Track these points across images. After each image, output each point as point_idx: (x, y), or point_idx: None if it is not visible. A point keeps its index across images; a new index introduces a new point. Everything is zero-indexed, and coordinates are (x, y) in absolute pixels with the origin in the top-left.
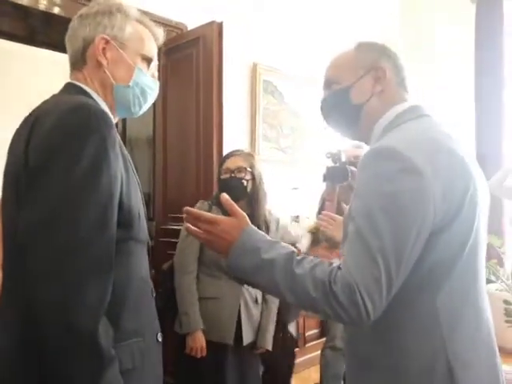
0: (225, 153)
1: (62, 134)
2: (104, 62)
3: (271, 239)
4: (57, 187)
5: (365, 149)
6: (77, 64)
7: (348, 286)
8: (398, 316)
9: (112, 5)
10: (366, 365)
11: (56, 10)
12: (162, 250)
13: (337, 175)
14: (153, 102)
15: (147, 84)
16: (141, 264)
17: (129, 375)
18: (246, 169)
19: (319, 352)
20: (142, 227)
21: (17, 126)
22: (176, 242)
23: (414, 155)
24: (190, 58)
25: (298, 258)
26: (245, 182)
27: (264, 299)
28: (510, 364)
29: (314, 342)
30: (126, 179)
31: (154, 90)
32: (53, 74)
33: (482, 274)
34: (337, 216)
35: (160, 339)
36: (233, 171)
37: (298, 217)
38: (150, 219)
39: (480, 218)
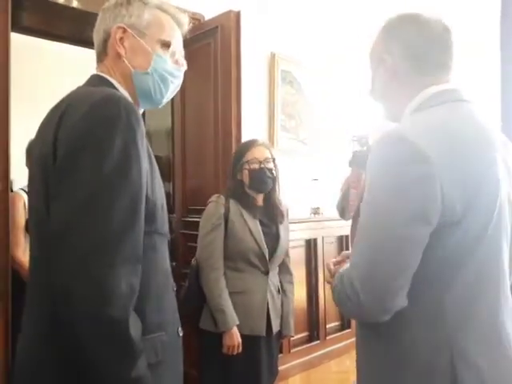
0: None
1: (92, 125)
2: (122, 52)
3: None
4: (87, 179)
5: None
6: (100, 56)
7: (349, 281)
8: (404, 308)
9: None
10: (371, 359)
11: (74, 4)
12: (183, 242)
13: (363, 160)
14: (177, 89)
15: (168, 70)
16: (163, 257)
17: (152, 369)
18: (272, 159)
19: (340, 344)
20: (165, 220)
21: (30, 119)
22: (196, 235)
23: (420, 141)
24: (208, 49)
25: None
26: (274, 173)
27: (282, 289)
28: None
29: (335, 335)
30: (151, 172)
31: (176, 77)
32: (74, 67)
33: (506, 273)
34: None
35: (181, 333)
36: (261, 162)
37: (318, 208)
38: (170, 212)
39: (502, 211)
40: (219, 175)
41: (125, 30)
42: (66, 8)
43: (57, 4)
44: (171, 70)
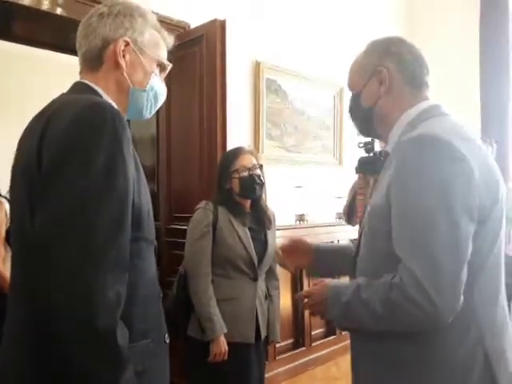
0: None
1: (79, 132)
2: (123, 65)
3: (347, 283)
4: (73, 187)
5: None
6: (91, 63)
7: (413, 284)
8: None
9: (134, 8)
10: (395, 364)
11: (58, 11)
12: (168, 249)
13: (370, 167)
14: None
15: (161, 90)
16: (150, 264)
17: (138, 377)
18: (258, 166)
19: (325, 351)
20: (151, 227)
21: (17, 124)
22: (181, 242)
23: (454, 140)
24: (193, 57)
25: (364, 285)
26: (262, 179)
27: (269, 294)
28: None
29: (320, 342)
30: (137, 178)
31: (163, 96)
32: (53, 74)
33: (502, 272)
34: (303, 242)
35: (167, 340)
36: (250, 169)
37: (303, 215)
38: (155, 220)
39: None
40: (204, 183)
41: (127, 44)
42: (50, 15)
43: (41, 11)
44: (163, 89)
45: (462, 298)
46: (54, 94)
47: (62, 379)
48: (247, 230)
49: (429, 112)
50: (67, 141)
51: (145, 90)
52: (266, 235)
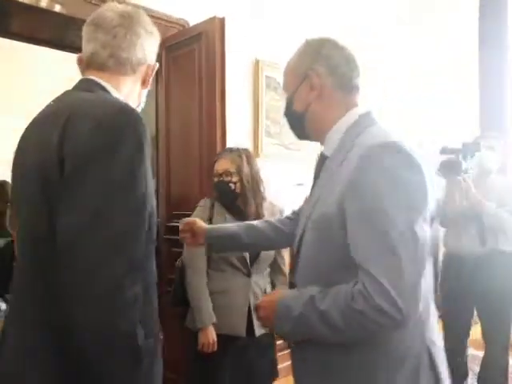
0: None
1: (105, 136)
2: (147, 85)
3: (298, 293)
4: (99, 191)
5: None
6: (125, 69)
7: (378, 291)
8: None
9: (156, 32)
10: (344, 370)
11: (57, 8)
12: (167, 247)
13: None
14: None
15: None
16: (153, 264)
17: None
18: (232, 172)
19: None
20: (155, 227)
21: (19, 118)
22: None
23: (410, 149)
24: (192, 55)
25: (319, 296)
26: (232, 186)
27: (275, 290)
28: None
29: None
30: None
31: None
32: (53, 71)
33: None
34: (197, 224)
35: (161, 337)
36: (221, 175)
37: None
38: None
39: None
40: (204, 180)
41: (151, 67)
42: (49, 13)
43: (39, 9)
44: None
45: (421, 300)
46: (41, 88)
47: (83, 379)
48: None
49: (368, 119)
50: (93, 144)
51: (142, 107)
52: None
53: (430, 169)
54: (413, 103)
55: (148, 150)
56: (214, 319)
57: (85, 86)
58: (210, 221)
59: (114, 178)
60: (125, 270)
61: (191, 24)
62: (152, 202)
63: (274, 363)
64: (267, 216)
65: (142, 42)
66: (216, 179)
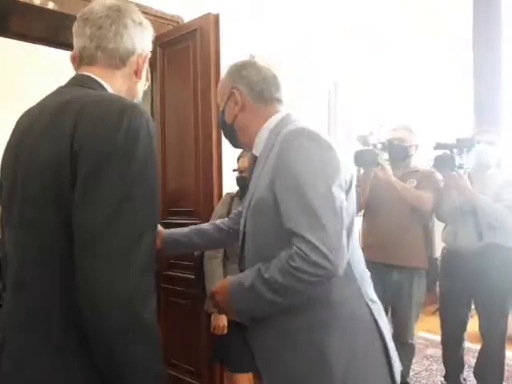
0: (223, 145)
1: (119, 136)
2: (140, 76)
3: (248, 271)
4: (115, 188)
5: (413, 132)
6: (114, 61)
7: (311, 249)
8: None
9: (147, 23)
10: (290, 336)
11: (51, 6)
12: None
13: (365, 159)
14: None
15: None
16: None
17: None
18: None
19: None
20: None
21: (12, 119)
22: None
23: (321, 133)
24: (187, 51)
25: (264, 267)
26: None
27: None
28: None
29: None
30: None
31: None
32: (49, 69)
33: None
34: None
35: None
36: (242, 171)
37: None
38: None
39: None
40: (199, 177)
41: (145, 58)
42: (42, 10)
43: (33, 6)
44: None
45: (347, 252)
46: (40, 87)
47: (113, 369)
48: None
49: (287, 119)
50: (110, 145)
51: (139, 100)
52: None
53: (341, 152)
54: (410, 100)
55: (155, 148)
56: None
57: (82, 81)
58: (228, 214)
59: (130, 175)
60: (143, 266)
61: (186, 21)
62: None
63: None
64: None
65: (129, 32)
66: (238, 175)
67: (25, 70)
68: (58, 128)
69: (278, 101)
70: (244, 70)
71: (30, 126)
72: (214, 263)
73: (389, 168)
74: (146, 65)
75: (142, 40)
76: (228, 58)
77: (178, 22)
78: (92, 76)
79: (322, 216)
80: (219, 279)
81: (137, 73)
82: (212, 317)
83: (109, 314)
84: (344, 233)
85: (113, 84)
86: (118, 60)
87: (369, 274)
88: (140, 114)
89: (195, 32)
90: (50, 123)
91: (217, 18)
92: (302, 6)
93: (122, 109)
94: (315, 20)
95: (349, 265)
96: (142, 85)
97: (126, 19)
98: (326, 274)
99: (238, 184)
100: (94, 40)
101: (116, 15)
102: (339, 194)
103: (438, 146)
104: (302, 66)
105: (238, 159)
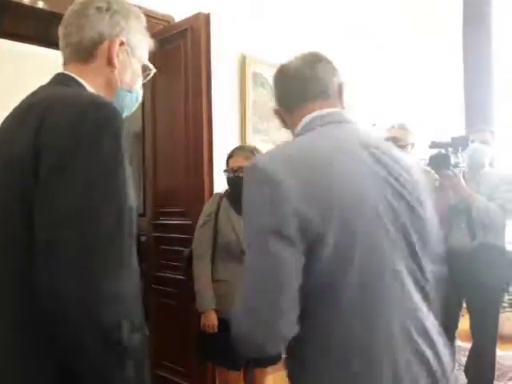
0: (214, 146)
1: (84, 131)
2: (116, 63)
3: None
4: (79, 184)
5: (409, 130)
6: (82, 55)
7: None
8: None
9: (130, 9)
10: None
11: (40, 5)
12: (155, 244)
13: None
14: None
15: (141, 93)
16: (135, 258)
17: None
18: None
19: None
20: (135, 222)
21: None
22: (168, 237)
23: (269, 167)
24: (178, 51)
25: None
26: None
27: None
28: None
29: None
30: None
31: (140, 100)
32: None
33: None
34: None
35: (147, 333)
36: (235, 171)
37: None
38: (141, 215)
39: (374, 224)
40: (190, 178)
41: (122, 44)
42: (32, 9)
43: (22, 5)
44: (141, 93)
45: (286, 324)
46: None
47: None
48: (241, 220)
49: (314, 122)
50: (72, 140)
51: (131, 91)
52: None
53: (325, 178)
54: (407, 99)
55: (124, 141)
56: (213, 305)
57: (60, 80)
58: (216, 214)
59: (95, 171)
60: (106, 267)
61: (177, 20)
62: (131, 193)
63: None
64: None
65: (91, 20)
66: (231, 175)
67: (25, 69)
68: (25, 126)
69: (316, 96)
70: (274, 79)
71: (5, 127)
72: (202, 263)
73: None
74: (143, 51)
75: (112, 26)
76: (219, 58)
77: (168, 22)
78: (68, 73)
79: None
80: (205, 277)
81: (110, 61)
82: (202, 315)
83: (64, 313)
84: (284, 299)
85: (87, 79)
86: (85, 53)
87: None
88: (106, 111)
89: (186, 31)
90: (20, 123)
91: (207, 17)
92: (292, 3)
93: (86, 105)
94: (307, 18)
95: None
96: (127, 71)
97: (88, 9)
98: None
99: (230, 184)
100: (63, 39)
101: (80, 8)
102: (276, 250)
103: (434, 145)
104: None
105: (229, 159)
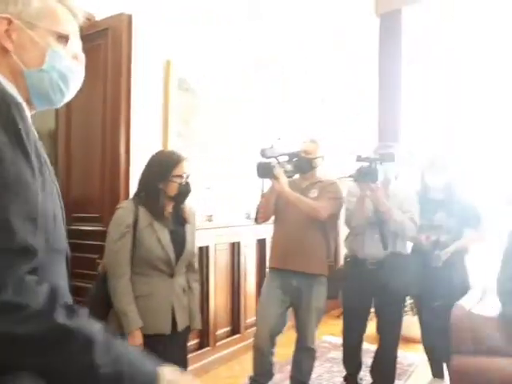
0: (133, 150)
1: None
2: (9, 46)
3: None
4: None
5: (318, 144)
6: None
7: None
8: None
9: None
10: None
11: None
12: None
13: (263, 171)
14: (78, 87)
15: (67, 66)
16: (58, 277)
17: None
18: (188, 175)
19: (230, 350)
20: (60, 234)
21: None
22: (82, 244)
23: None
24: (98, 50)
25: None
26: (190, 186)
27: (189, 287)
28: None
29: (225, 341)
30: (41, 176)
31: (76, 73)
32: None
33: None
34: None
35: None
36: (188, 176)
37: (211, 216)
38: None
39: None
40: (105, 182)
41: (10, 21)
42: None
43: None
44: (70, 65)
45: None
46: None
47: None
48: (167, 232)
49: None
50: None
51: (43, 70)
52: (184, 233)
53: None
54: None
55: (25, 134)
56: (141, 323)
57: None
58: (134, 226)
59: None
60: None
61: (98, 19)
62: (48, 199)
63: (186, 353)
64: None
65: None
66: (184, 181)
67: None
68: None
69: None
70: None
71: None
72: (122, 281)
73: (284, 180)
74: (48, 17)
75: None
76: (143, 61)
77: (89, 20)
78: None
79: None
80: (129, 296)
81: (2, 44)
82: (128, 337)
83: None
84: None
85: None
86: None
87: None
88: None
89: (107, 31)
90: None
91: (130, 18)
92: (216, 7)
93: None
94: (233, 22)
95: None
96: (29, 49)
97: None
98: None
99: (185, 192)
100: None
101: None
102: None
103: (359, 159)
104: (220, 71)
105: (176, 164)
